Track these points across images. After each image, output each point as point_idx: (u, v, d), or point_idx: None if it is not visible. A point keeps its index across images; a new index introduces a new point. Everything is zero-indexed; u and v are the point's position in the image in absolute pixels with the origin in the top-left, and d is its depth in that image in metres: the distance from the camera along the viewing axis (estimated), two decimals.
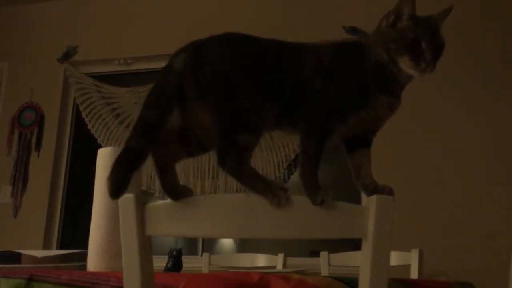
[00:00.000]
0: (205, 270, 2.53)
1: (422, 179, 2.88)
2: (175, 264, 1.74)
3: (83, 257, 1.37)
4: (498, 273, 1.67)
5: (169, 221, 0.92)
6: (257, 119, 0.90)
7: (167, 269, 1.72)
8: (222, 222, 0.89)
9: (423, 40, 0.89)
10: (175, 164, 0.95)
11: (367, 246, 0.89)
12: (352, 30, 3.11)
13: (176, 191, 0.92)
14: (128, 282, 0.92)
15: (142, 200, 0.92)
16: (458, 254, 2.70)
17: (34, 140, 3.50)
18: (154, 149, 0.90)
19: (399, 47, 0.90)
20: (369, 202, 0.89)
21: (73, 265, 1.34)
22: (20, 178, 3.41)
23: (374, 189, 0.93)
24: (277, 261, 2.48)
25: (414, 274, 2.11)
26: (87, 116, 3.45)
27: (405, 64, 0.90)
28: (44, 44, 3.66)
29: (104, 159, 1.48)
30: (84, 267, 1.35)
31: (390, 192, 0.92)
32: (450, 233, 2.78)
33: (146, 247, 0.92)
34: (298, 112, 0.93)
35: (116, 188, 0.84)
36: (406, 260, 2.17)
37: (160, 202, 0.93)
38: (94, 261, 1.33)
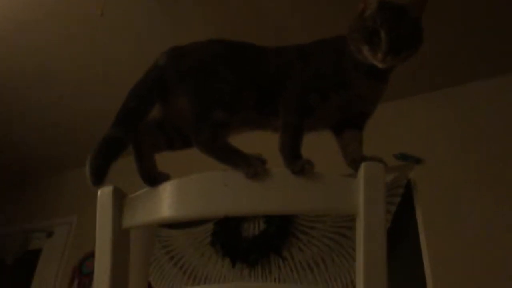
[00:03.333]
0: None
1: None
2: None
3: None
4: None
5: (145, 208, 0.86)
6: (232, 96, 0.89)
7: None
8: (197, 200, 0.83)
9: (382, 29, 0.85)
10: (153, 153, 0.93)
11: (360, 222, 0.77)
12: (403, 156, 3.05)
13: (153, 177, 0.88)
14: (98, 282, 0.83)
15: (121, 193, 0.89)
16: None
17: None
18: (134, 136, 0.89)
19: (360, 36, 0.88)
20: (359, 171, 0.80)
21: None
22: None
23: (362, 159, 0.84)
24: None
25: None
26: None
27: (366, 53, 0.87)
28: None
29: None
30: None
31: (380, 160, 0.82)
32: None
33: (122, 242, 0.86)
34: (278, 96, 0.91)
35: (96, 176, 0.83)
36: None
37: (138, 192, 0.88)
38: None
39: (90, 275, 3.57)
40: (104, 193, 0.88)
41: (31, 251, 4.07)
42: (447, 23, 2.61)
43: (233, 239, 3.16)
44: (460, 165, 2.85)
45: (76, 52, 2.96)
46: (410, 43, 0.86)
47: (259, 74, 0.94)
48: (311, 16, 2.59)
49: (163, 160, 0.97)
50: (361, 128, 0.94)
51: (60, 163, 4.22)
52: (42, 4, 2.62)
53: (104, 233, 0.85)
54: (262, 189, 0.80)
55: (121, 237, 0.86)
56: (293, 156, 0.82)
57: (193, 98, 0.89)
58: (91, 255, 3.66)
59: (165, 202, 0.84)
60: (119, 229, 0.86)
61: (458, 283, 2.54)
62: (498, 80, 2.98)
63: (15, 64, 3.08)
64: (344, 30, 0.93)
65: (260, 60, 0.97)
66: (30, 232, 4.12)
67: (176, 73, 0.92)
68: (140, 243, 3.33)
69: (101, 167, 0.82)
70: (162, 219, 0.84)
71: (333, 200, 0.79)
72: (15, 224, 4.28)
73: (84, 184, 0.81)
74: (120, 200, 0.88)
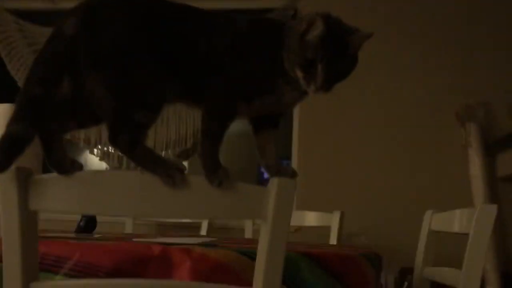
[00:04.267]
0: (128, 227, 2.49)
1: (346, 141, 2.92)
2: (88, 223, 1.67)
3: None
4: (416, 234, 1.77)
5: (56, 196, 0.85)
6: (156, 95, 0.83)
7: (79, 228, 1.64)
8: (111, 200, 0.84)
9: (320, 63, 0.83)
10: (62, 136, 0.87)
11: (266, 229, 0.86)
12: None
13: (63, 165, 0.84)
14: (7, 263, 0.85)
15: (26, 173, 0.84)
16: (378, 216, 2.79)
17: None
18: (40, 124, 0.81)
19: (297, 61, 0.85)
20: (271, 184, 0.86)
21: None
22: None
23: (277, 170, 0.90)
24: None
25: (333, 235, 2.15)
26: (6, 56, 3.19)
27: (299, 79, 0.86)
28: None
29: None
30: None
31: (292, 174, 0.89)
32: (371, 196, 2.86)
33: (30, 223, 0.85)
34: (203, 87, 0.87)
35: None
36: (327, 221, 2.20)
37: (47, 174, 0.85)
38: None
39: None
40: (7, 174, 0.83)
41: None
42: None
43: None
44: None
45: None
46: (344, 76, 0.87)
47: (186, 60, 0.86)
48: None
49: None
50: (276, 125, 0.96)
51: None
52: None
53: (10, 216, 0.83)
54: (177, 197, 0.83)
55: (29, 219, 0.84)
56: (212, 168, 0.83)
57: (112, 93, 0.81)
58: None
59: (76, 195, 0.83)
60: (26, 211, 0.84)
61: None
62: None
63: None
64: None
65: (189, 37, 0.87)
66: None
67: (89, 53, 0.80)
68: None
69: (1, 166, 0.77)
70: (71, 211, 0.84)
71: (245, 210, 0.86)
72: None
73: None
74: (25, 181, 0.84)
